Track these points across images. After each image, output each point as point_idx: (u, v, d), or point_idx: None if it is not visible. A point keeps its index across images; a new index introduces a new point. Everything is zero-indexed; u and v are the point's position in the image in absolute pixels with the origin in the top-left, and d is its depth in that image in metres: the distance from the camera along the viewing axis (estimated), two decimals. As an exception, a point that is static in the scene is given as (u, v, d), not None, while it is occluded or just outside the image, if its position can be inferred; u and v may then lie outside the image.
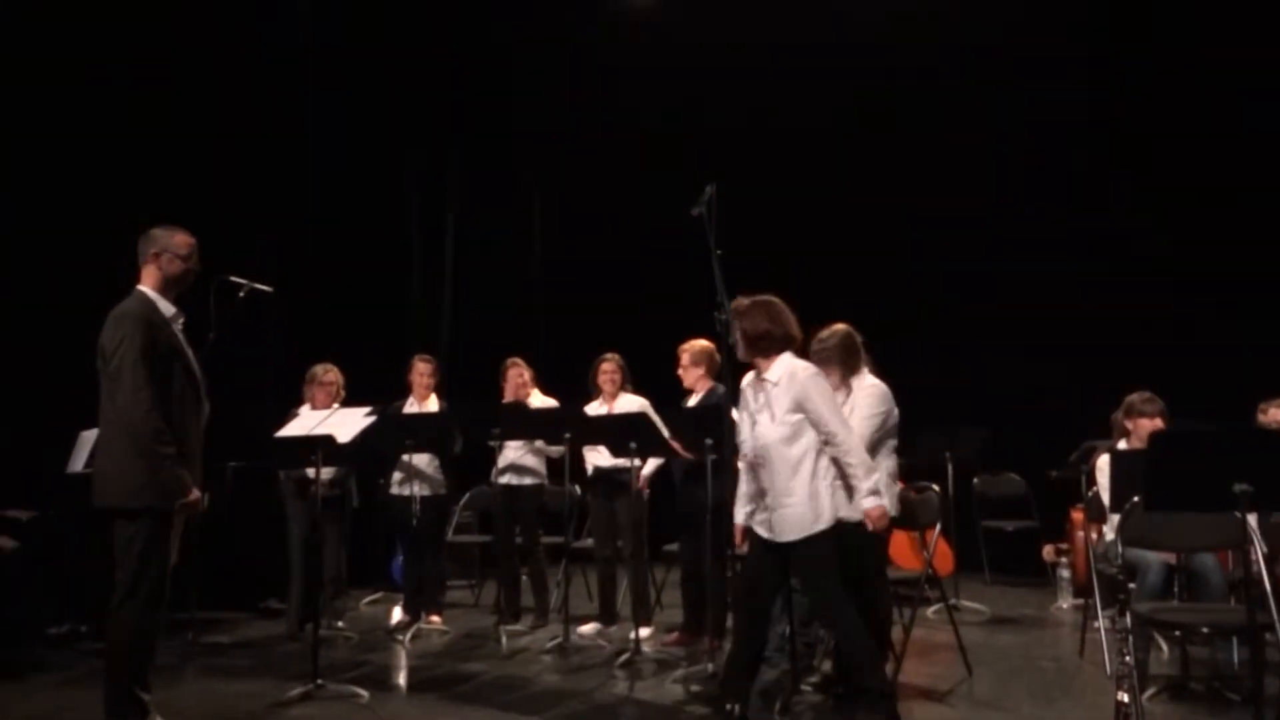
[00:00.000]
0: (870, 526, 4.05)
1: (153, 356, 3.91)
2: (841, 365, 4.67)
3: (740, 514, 4.21)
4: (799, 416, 4.01)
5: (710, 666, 5.20)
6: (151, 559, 3.91)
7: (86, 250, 6.62)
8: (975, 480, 8.37)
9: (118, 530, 3.92)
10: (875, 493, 3.99)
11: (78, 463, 6.14)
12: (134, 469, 3.89)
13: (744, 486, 4.21)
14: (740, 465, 4.32)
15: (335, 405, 6.21)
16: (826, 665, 5.03)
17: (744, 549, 4.23)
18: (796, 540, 3.99)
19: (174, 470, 3.92)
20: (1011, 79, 8.60)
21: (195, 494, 4.02)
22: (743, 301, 4.23)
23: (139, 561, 3.88)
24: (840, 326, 4.76)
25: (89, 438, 6.11)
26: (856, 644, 4.00)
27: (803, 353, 4.36)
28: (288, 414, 5.95)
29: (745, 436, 4.19)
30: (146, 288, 4.10)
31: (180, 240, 4.15)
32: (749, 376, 5.18)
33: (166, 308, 4.07)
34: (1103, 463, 5.43)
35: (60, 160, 6.71)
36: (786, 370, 4.10)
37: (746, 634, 4.10)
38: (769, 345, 4.14)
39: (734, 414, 4.35)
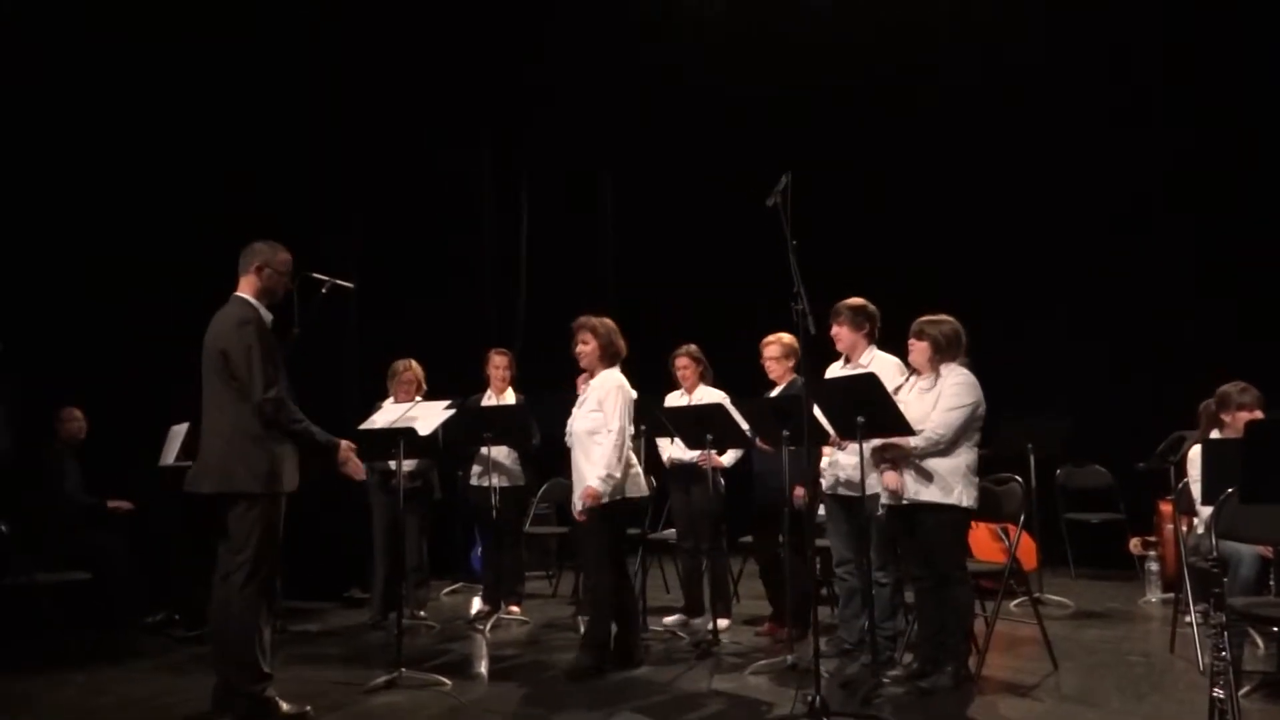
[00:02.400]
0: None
1: (273, 357, 4.26)
2: (936, 350, 4.70)
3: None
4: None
5: (789, 658, 5.17)
6: (273, 540, 4.24)
7: (172, 251, 6.82)
8: (1058, 472, 8.19)
9: (236, 515, 4.21)
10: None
11: (169, 456, 6.32)
12: (259, 456, 4.21)
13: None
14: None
15: (416, 399, 6.29)
16: (908, 658, 4.98)
17: None
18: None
19: (318, 445, 4.34)
20: (1090, 64, 8.38)
21: (352, 461, 4.48)
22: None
23: (261, 544, 4.20)
24: (948, 318, 4.77)
25: (179, 432, 6.29)
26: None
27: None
28: (371, 408, 6.04)
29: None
30: (248, 295, 4.39)
31: (283, 258, 4.47)
32: (834, 367, 5.19)
33: (266, 315, 4.39)
34: (1194, 454, 5.27)
35: (144, 162, 6.90)
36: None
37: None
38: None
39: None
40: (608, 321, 5.23)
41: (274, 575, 4.30)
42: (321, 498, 6.99)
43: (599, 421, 5.01)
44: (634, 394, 5.18)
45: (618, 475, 4.97)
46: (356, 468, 4.52)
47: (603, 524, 5.01)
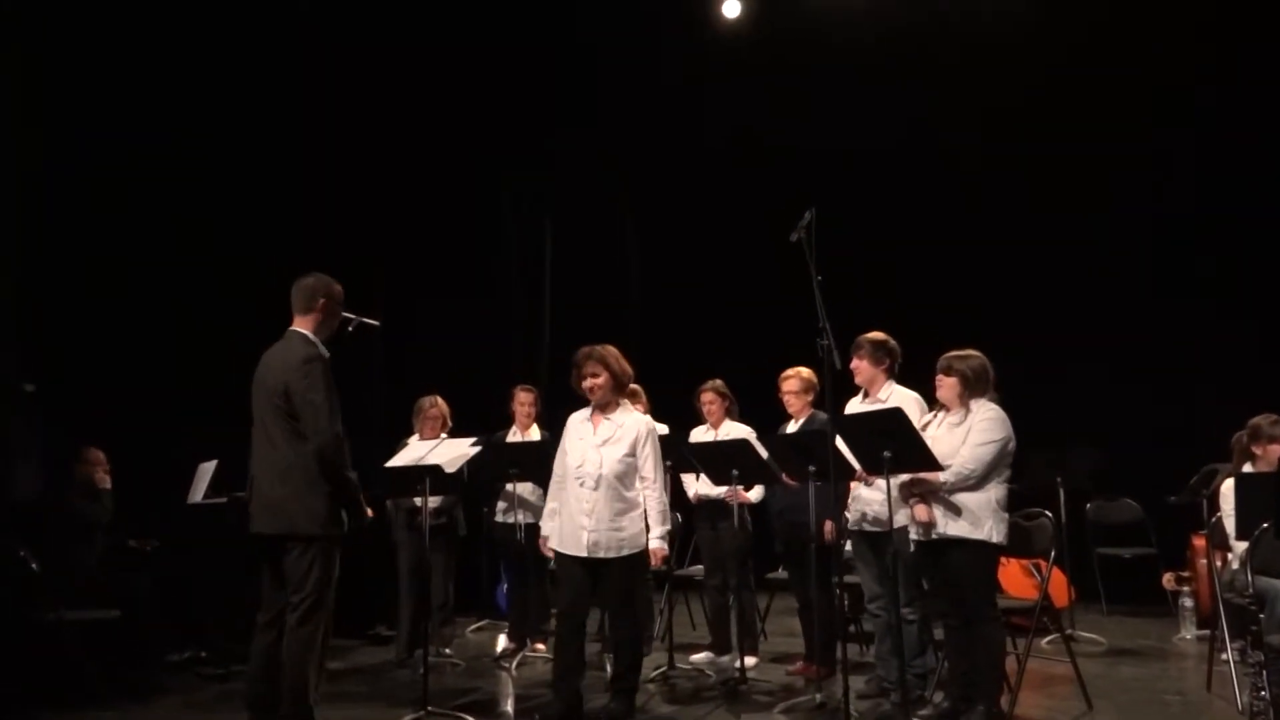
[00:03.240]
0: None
1: (335, 398, 4.24)
2: (965, 385, 4.68)
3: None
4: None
5: (818, 697, 5.12)
6: (329, 582, 4.22)
7: (201, 290, 6.90)
8: (1089, 506, 8.10)
9: (295, 557, 4.18)
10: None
11: (197, 494, 6.34)
12: (317, 497, 4.18)
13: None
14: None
15: (442, 436, 6.31)
16: (939, 696, 4.92)
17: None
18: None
19: (357, 497, 4.28)
20: (1131, 88, 8.38)
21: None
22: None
23: (319, 585, 4.18)
24: (975, 353, 4.75)
25: (207, 469, 6.32)
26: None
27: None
28: (397, 445, 6.06)
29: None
30: (308, 331, 4.37)
31: (338, 290, 4.47)
32: (853, 402, 5.15)
33: (325, 352, 4.37)
34: (1226, 488, 5.21)
35: (170, 199, 6.99)
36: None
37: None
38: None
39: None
40: (612, 349, 4.98)
41: (328, 617, 4.26)
42: (347, 535, 7.05)
43: (632, 466, 4.82)
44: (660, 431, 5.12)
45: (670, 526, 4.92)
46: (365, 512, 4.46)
47: (639, 570, 4.95)
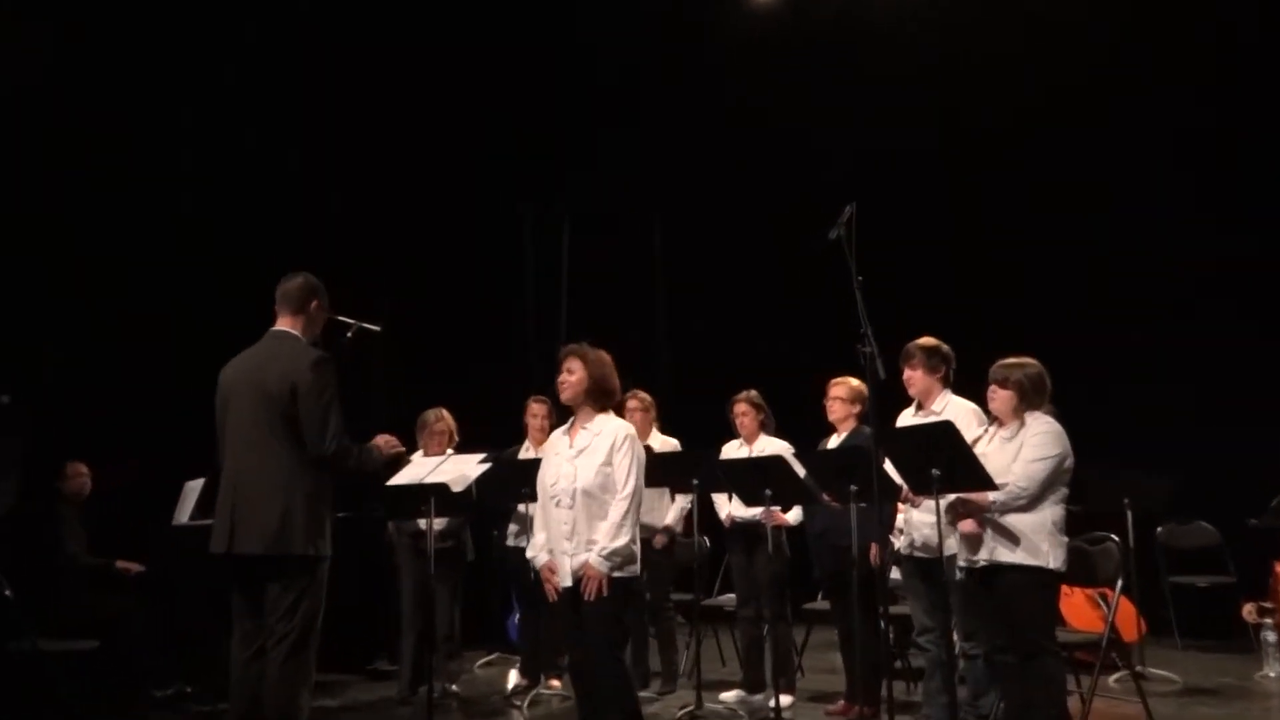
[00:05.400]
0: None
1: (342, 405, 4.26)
2: (1021, 397, 4.65)
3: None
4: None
5: (860, 739, 5.10)
6: (320, 609, 4.20)
7: (190, 290, 6.98)
8: (1159, 530, 8.05)
9: (285, 581, 4.15)
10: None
11: (183, 514, 6.39)
12: (312, 514, 4.19)
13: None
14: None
15: (448, 452, 6.34)
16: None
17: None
18: None
19: (376, 458, 4.38)
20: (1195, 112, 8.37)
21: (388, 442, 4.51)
22: None
23: (310, 613, 4.17)
24: (1031, 360, 4.73)
25: (194, 488, 6.36)
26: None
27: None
28: (398, 462, 6.08)
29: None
30: (297, 333, 4.41)
31: (324, 291, 4.51)
32: (905, 415, 5.13)
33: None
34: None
35: (164, 199, 7.09)
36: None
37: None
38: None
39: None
40: (603, 354, 4.78)
41: (315, 647, 4.24)
42: (344, 561, 7.09)
43: (612, 477, 4.54)
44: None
45: (633, 547, 4.50)
46: (391, 443, 4.55)
47: (614, 603, 4.46)
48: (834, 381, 5.93)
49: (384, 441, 4.51)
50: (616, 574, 4.42)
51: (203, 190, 7.19)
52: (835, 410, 5.88)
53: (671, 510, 6.49)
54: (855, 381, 5.82)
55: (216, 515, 4.32)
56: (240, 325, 4.65)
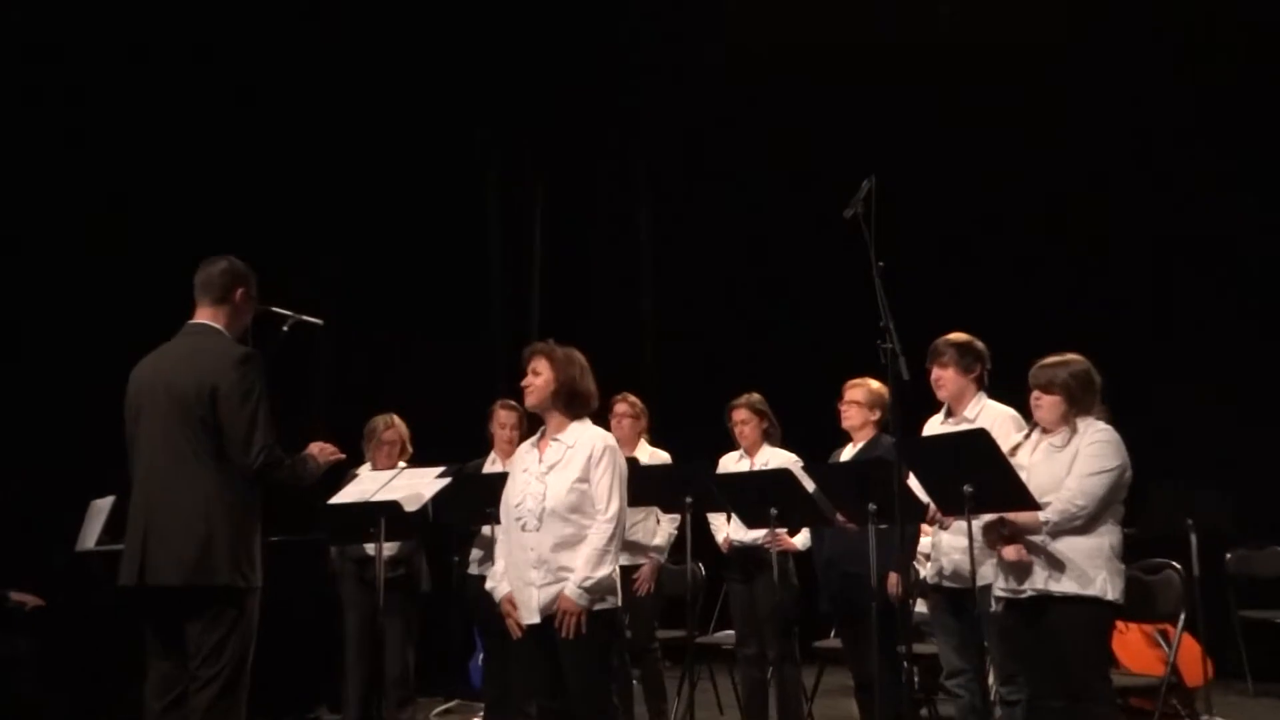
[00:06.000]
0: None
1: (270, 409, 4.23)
2: (1069, 400, 4.66)
3: None
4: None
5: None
6: (249, 649, 4.19)
7: (88, 275, 6.96)
8: (1228, 557, 8.07)
9: (210, 617, 4.13)
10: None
11: (89, 538, 6.37)
12: (239, 538, 4.18)
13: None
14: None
15: (401, 465, 6.34)
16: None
17: None
18: None
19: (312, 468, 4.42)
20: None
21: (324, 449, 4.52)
22: None
23: (238, 654, 4.15)
24: (1076, 357, 4.74)
25: (102, 507, 6.33)
26: None
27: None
28: (343, 476, 6.09)
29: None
30: (220, 326, 4.38)
31: (253, 278, 4.49)
32: (933, 422, 5.15)
33: None
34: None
35: (51, 176, 7.06)
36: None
37: None
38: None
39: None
40: (574, 353, 4.73)
41: (244, 690, 4.22)
42: (278, 593, 7.09)
43: (587, 495, 4.53)
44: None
45: (615, 578, 4.51)
46: (327, 450, 4.53)
47: (598, 640, 4.48)
48: (850, 383, 5.93)
49: (319, 449, 4.49)
50: (597, 606, 4.42)
51: (101, 151, 7.15)
52: (851, 416, 5.89)
53: (659, 533, 6.49)
54: (875, 384, 5.83)
55: (126, 541, 4.28)
56: (153, 317, 4.63)
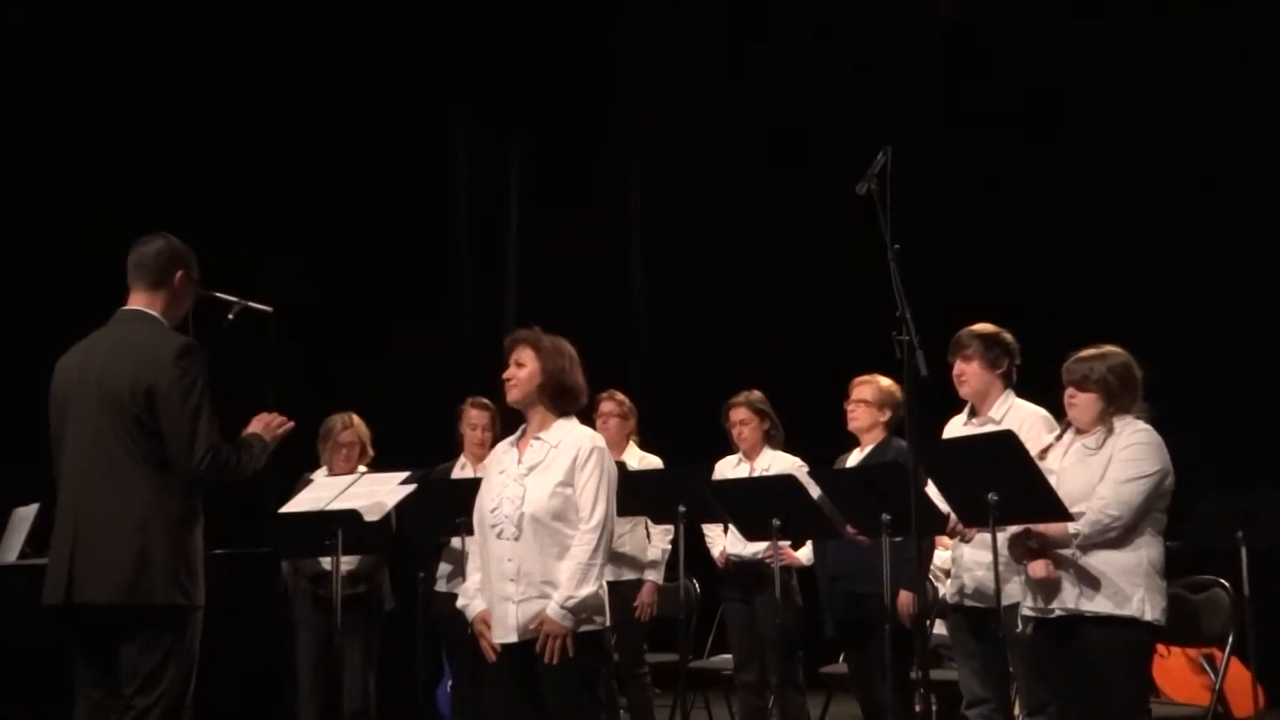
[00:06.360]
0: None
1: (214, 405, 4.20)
2: (1107, 398, 4.64)
3: None
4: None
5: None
6: (190, 675, 4.16)
7: (9, 257, 6.92)
8: (1284, 572, 8.07)
9: (146, 639, 4.08)
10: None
11: (11, 551, 6.32)
12: (184, 552, 4.14)
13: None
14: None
15: (361, 470, 6.32)
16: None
17: None
18: None
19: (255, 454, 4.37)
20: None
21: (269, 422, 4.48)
22: None
23: (178, 680, 4.12)
24: (1115, 349, 4.72)
25: (25, 516, 6.29)
26: None
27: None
28: (297, 481, 6.04)
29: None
30: (156, 313, 4.32)
31: (194, 262, 4.43)
32: (954, 423, 5.13)
33: None
34: None
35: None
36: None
37: None
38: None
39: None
40: (563, 343, 4.68)
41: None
42: (222, 612, 7.04)
43: (569, 501, 4.48)
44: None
45: (602, 595, 4.47)
46: (273, 424, 4.48)
47: (584, 664, 4.45)
48: (857, 381, 5.93)
49: (263, 425, 4.42)
50: (583, 628, 4.37)
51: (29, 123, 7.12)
52: (858, 417, 5.87)
53: (650, 548, 6.45)
54: (885, 381, 5.83)
55: (51, 554, 4.24)
56: (82, 302, 4.57)
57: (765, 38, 9.29)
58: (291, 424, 4.54)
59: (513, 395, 4.59)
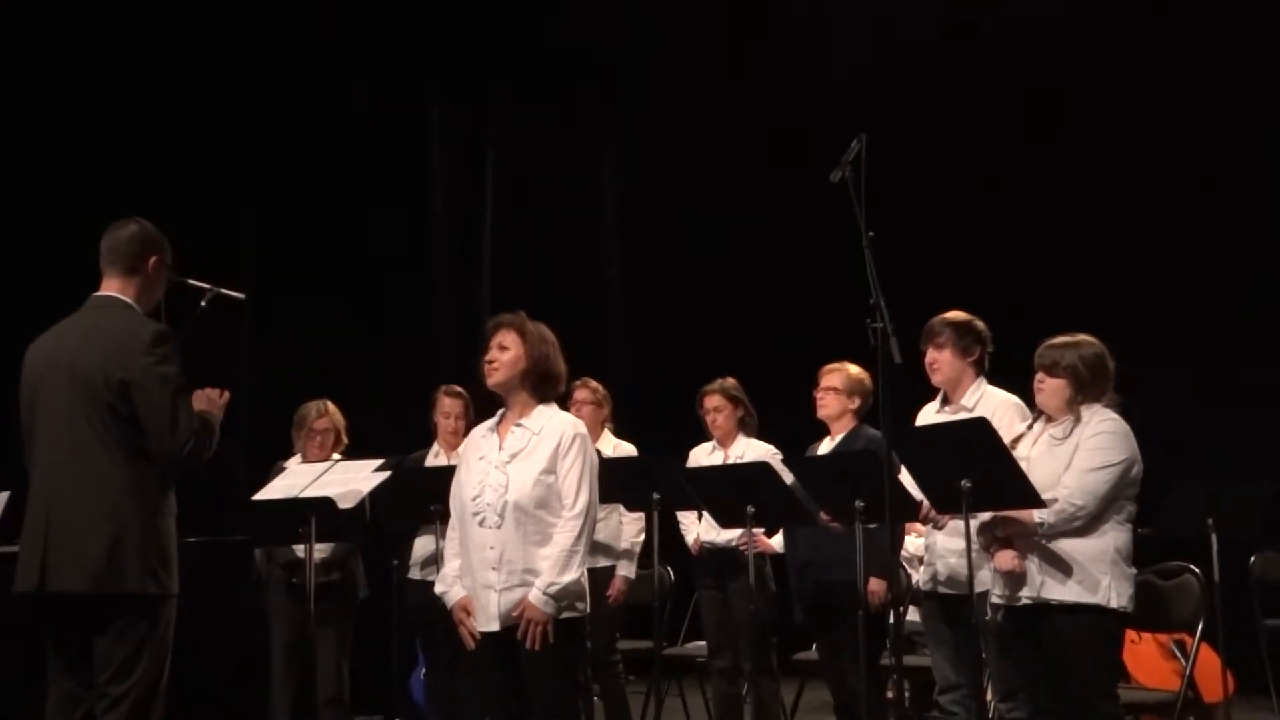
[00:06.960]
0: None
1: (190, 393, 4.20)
2: (1076, 385, 4.66)
3: None
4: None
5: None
6: (164, 664, 4.16)
7: None
8: (1253, 560, 8.09)
9: (120, 628, 4.08)
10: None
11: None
12: (157, 541, 4.13)
13: None
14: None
15: (334, 457, 6.31)
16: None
17: None
18: None
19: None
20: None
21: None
22: None
23: (152, 670, 4.11)
24: (1088, 338, 4.74)
25: (-2, 501, 6.29)
26: None
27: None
28: (270, 469, 6.05)
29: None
30: (129, 299, 4.30)
31: (168, 247, 4.40)
32: (927, 410, 5.16)
33: None
34: None
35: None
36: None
37: None
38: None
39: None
40: (545, 330, 4.68)
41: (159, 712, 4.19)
42: (195, 600, 7.04)
43: (552, 490, 4.51)
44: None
45: (582, 583, 4.49)
46: (214, 397, 4.43)
47: (564, 652, 4.50)
48: (825, 369, 5.95)
49: (206, 400, 4.37)
50: (564, 614, 4.41)
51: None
52: (827, 404, 5.90)
53: (624, 536, 6.47)
54: (854, 369, 5.86)
55: (23, 542, 4.22)
56: (53, 288, 4.57)
57: (737, 32, 9.31)
58: (228, 392, 4.49)
59: (495, 378, 4.60)
